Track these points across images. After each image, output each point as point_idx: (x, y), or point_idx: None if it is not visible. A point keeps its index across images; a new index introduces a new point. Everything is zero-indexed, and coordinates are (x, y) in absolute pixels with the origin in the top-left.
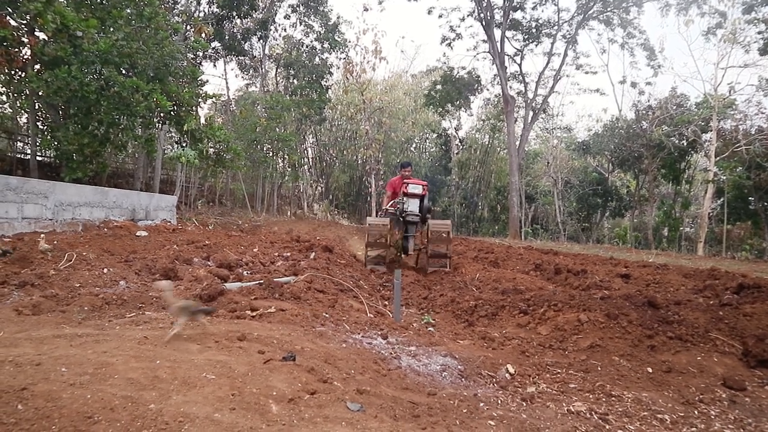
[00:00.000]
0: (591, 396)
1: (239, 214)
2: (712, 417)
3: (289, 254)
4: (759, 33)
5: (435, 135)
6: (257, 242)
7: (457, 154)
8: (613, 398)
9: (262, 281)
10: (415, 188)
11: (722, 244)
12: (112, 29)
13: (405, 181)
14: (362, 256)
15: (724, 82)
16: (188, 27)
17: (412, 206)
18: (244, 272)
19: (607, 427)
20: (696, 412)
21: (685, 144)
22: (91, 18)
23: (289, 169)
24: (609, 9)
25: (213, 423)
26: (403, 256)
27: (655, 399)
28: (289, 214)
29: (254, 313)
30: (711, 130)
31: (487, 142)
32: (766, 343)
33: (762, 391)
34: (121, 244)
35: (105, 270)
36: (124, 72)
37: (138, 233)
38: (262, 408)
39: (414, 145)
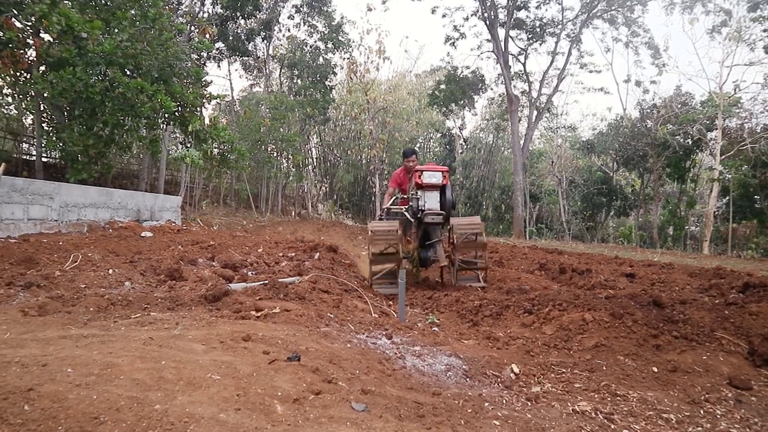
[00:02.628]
0: (596, 395)
1: (244, 215)
2: (718, 416)
3: (293, 254)
4: (764, 31)
5: (439, 135)
6: (262, 243)
7: (461, 153)
8: (619, 398)
9: (266, 282)
10: (433, 176)
11: (728, 242)
12: (116, 30)
13: (418, 168)
14: (367, 271)
15: (730, 80)
16: (192, 28)
17: (431, 202)
18: (249, 273)
19: (612, 426)
20: (702, 411)
21: (690, 143)
22: (96, 19)
23: (293, 170)
24: (613, 8)
25: (218, 423)
26: (421, 270)
27: (660, 398)
28: (293, 214)
29: (259, 314)
30: (716, 129)
31: (491, 142)
32: None
33: None
34: (126, 245)
35: (110, 271)
36: (128, 73)
37: (143, 234)
38: (267, 408)
39: (418, 145)
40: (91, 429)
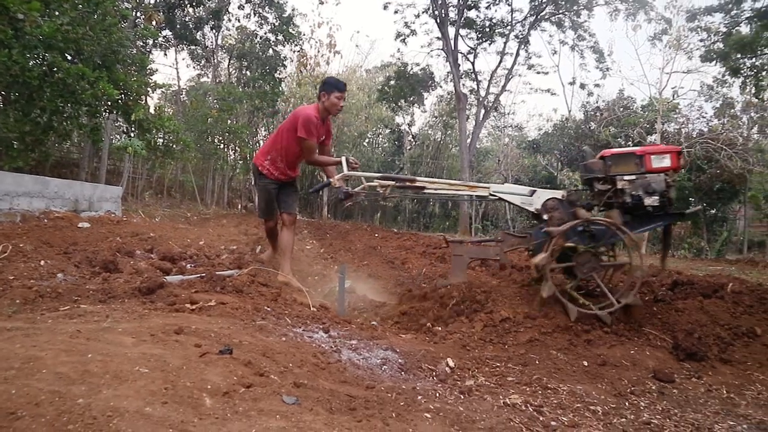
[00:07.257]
0: (528, 389)
1: (188, 207)
2: (642, 408)
3: (235, 247)
4: (701, 41)
5: (388, 131)
6: (204, 235)
7: (409, 149)
8: (549, 391)
9: (204, 274)
10: (662, 159)
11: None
12: (56, 13)
13: (648, 149)
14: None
15: (669, 86)
16: (138, 14)
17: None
18: (188, 265)
19: (541, 418)
20: (627, 403)
21: (631, 145)
22: (34, 0)
23: (241, 162)
24: (561, 11)
25: (143, 417)
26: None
27: (588, 391)
28: (239, 207)
29: (194, 306)
30: (655, 133)
31: (439, 139)
32: (694, 337)
33: (689, 383)
34: (62, 236)
35: (42, 262)
36: (69, 58)
37: (80, 224)
38: (196, 402)
39: (367, 140)
40: (7, 425)
